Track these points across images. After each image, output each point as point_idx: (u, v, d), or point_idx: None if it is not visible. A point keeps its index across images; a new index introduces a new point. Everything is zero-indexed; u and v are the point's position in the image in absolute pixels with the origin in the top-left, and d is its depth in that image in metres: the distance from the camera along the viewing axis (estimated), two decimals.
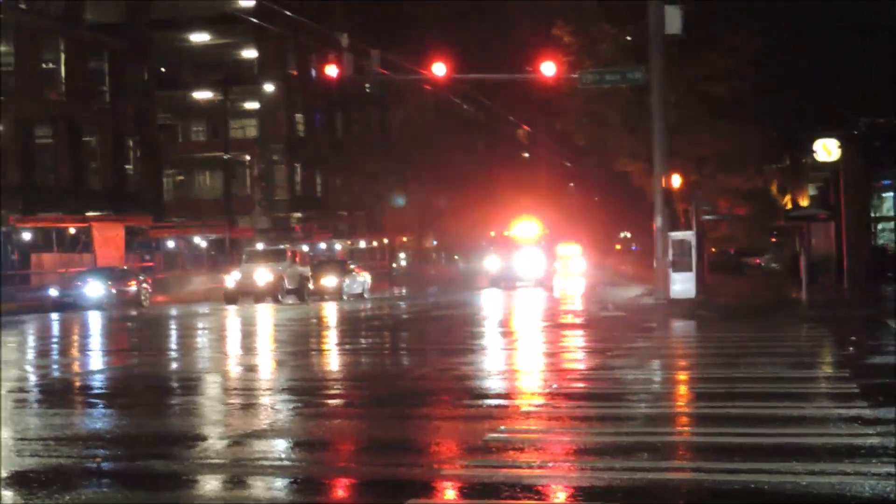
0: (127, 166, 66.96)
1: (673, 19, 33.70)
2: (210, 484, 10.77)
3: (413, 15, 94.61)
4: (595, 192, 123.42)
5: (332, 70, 38.53)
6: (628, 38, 40.08)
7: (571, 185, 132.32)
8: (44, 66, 60.02)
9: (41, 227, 55.27)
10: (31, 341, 30.70)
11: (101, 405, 16.76)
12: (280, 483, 10.62)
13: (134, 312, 43.57)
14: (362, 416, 14.71)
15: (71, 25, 60.17)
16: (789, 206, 62.32)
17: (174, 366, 22.63)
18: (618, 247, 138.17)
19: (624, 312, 34.68)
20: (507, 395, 16.26)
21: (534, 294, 49.64)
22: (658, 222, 35.08)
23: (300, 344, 27.05)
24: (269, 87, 74.79)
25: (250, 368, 21.32)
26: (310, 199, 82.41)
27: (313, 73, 78.51)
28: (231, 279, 47.40)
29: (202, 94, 76.94)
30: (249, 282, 46.85)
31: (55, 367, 23.08)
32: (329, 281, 50.61)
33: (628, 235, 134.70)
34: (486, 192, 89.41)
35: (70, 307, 44.07)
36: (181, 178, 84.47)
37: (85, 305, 44.27)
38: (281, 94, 76.83)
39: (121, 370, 21.71)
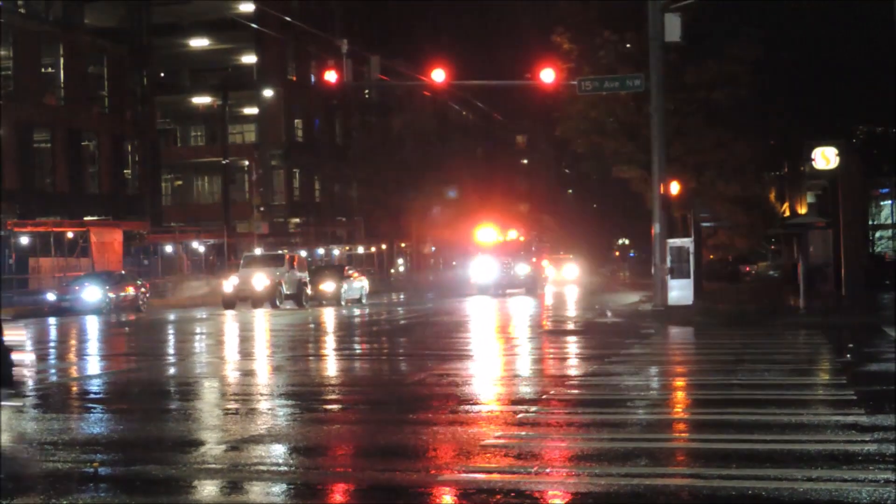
0: (125, 171, 66.97)
1: (672, 27, 33.72)
2: (207, 489, 10.76)
3: (412, 21, 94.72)
4: (593, 199, 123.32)
5: (331, 76, 38.55)
6: (628, 45, 40.13)
7: (570, 191, 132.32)
8: (43, 70, 60.05)
9: (39, 231, 55.24)
10: (29, 346, 30.67)
11: (98, 410, 16.75)
12: (277, 488, 10.62)
13: (132, 317, 43.55)
14: (359, 422, 14.72)
15: (70, 30, 60.21)
16: (787, 213, 62.39)
17: (172, 370, 22.62)
18: (616, 253, 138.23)
19: (621, 318, 34.70)
20: (503, 401, 16.26)
21: (526, 301, 49.37)
22: (656, 229, 35.09)
23: (298, 349, 27.04)
24: (268, 93, 74.81)
25: (248, 373, 21.30)
26: (308, 204, 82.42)
27: (312, 78, 78.55)
28: (229, 284, 47.37)
29: (201, 99, 76.99)
30: (247, 287, 46.82)
31: (52, 371, 23.06)
32: (327, 286, 50.59)
33: (626, 242, 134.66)
34: (485, 199, 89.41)
35: (68, 312, 44.05)
36: (180, 182, 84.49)
37: (83, 310, 44.25)
38: (280, 100, 76.85)
39: (119, 374, 21.70)
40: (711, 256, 69.01)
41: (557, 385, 17.88)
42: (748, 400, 15.23)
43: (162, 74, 75.55)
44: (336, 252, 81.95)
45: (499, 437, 12.67)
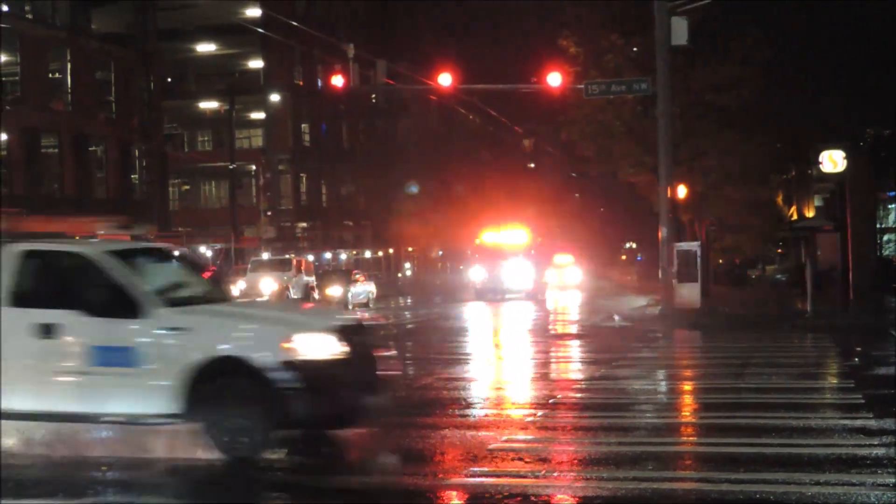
0: (133, 176, 67.02)
1: (679, 30, 33.66)
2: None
3: (419, 26, 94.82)
4: (600, 203, 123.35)
5: (338, 80, 38.57)
6: (634, 48, 40.07)
7: (577, 195, 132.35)
8: (50, 75, 60.14)
9: None
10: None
11: None
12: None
13: None
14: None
15: (77, 35, 60.29)
16: (795, 216, 62.39)
17: None
18: (623, 257, 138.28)
19: (629, 322, 34.65)
20: (511, 405, 16.25)
21: (532, 306, 48.87)
22: (663, 233, 35.04)
23: None
24: (275, 97, 74.87)
25: None
26: (315, 208, 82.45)
27: (319, 83, 78.57)
28: (237, 289, 47.44)
29: (208, 104, 77.09)
30: (255, 291, 46.90)
31: None
32: (334, 290, 50.60)
33: (633, 246, 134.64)
34: (491, 202, 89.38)
35: None
36: (187, 187, 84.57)
37: None
38: (287, 104, 76.90)
39: None
40: (720, 260, 69.03)
41: (565, 388, 17.87)
42: (756, 403, 15.21)
43: (169, 79, 75.61)
44: (343, 256, 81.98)
45: (506, 441, 12.66)
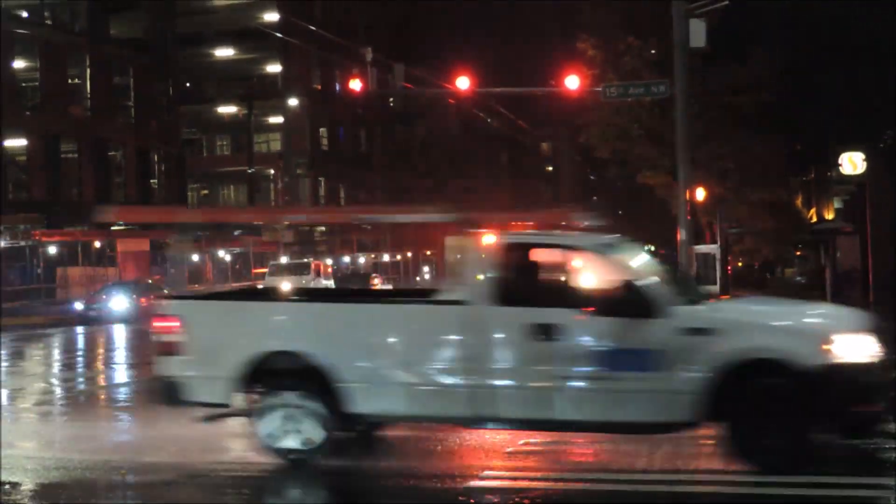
0: (152, 181, 67.28)
1: (697, 32, 33.52)
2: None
3: (437, 29, 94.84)
4: (618, 205, 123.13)
5: (356, 84, 38.57)
6: (652, 51, 39.99)
7: (595, 198, 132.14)
8: (69, 81, 60.43)
9: (66, 240, 55.55)
10: (56, 354, 30.83)
11: (125, 417, 16.82)
12: None
13: None
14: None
15: (96, 41, 60.56)
16: (814, 219, 62.14)
17: None
18: None
19: None
20: None
21: None
22: (682, 235, 34.91)
23: None
24: (293, 102, 75.01)
25: None
26: None
27: (337, 87, 78.69)
28: None
29: (226, 109, 77.30)
30: None
31: (80, 380, 23.15)
32: None
33: (652, 248, 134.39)
34: (510, 205, 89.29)
35: (95, 321, 44.18)
36: (206, 192, 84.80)
37: (110, 319, 44.37)
38: (305, 109, 77.03)
39: (146, 382, 21.75)
40: (739, 263, 68.77)
41: None
42: None
43: (187, 84, 75.84)
44: (362, 260, 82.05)
45: (523, 445, 12.63)
